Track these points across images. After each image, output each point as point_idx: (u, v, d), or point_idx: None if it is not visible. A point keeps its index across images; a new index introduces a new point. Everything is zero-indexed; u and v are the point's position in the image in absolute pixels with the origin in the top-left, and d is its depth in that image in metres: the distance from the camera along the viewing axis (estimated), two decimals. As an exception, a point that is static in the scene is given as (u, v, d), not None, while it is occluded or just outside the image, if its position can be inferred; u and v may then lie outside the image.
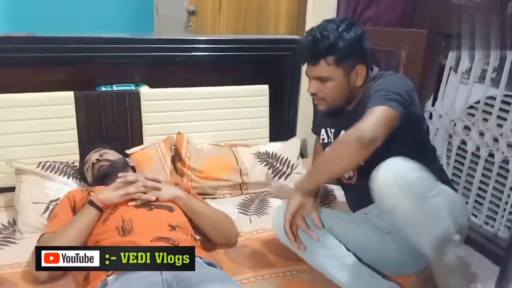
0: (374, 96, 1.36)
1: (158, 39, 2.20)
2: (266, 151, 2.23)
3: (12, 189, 1.93)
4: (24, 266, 1.51)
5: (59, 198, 1.74)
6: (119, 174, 1.57)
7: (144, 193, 1.54)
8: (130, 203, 1.50)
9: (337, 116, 1.53)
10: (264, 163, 2.17)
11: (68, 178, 1.88)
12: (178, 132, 2.16)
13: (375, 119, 1.28)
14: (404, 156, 1.26)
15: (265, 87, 2.35)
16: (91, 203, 1.48)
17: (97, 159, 1.75)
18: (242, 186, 2.09)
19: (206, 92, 2.24)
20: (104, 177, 1.70)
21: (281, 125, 2.49)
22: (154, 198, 1.53)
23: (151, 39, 2.21)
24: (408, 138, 1.40)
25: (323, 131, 1.66)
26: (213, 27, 2.46)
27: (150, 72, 2.21)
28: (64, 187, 1.83)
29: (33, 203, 1.74)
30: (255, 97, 2.34)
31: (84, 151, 2.00)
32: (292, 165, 2.21)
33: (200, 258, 1.35)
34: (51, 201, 1.75)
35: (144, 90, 2.13)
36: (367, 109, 1.33)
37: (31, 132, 1.96)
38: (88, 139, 2.05)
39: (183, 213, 1.57)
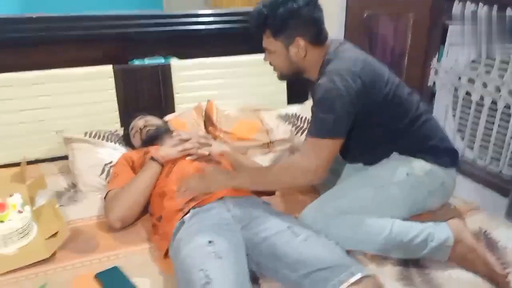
0: (312, 118, 1.47)
1: (185, 14, 2.38)
2: (286, 113, 2.43)
3: (61, 158, 2.12)
4: (95, 219, 1.71)
5: (112, 162, 1.93)
6: (174, 133, 1.76)
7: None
8: (187, 158, 1.70)
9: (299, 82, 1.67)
10: (287, 122, 2.37)
11: (115, 144, 2.06)
12: (208, 100, 2.35)
13: (315, 154, 1.42)
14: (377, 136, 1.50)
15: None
16: (153, 159, 1.67)
17: (144, 125, 1.93)
18: (269, 144, 2.29)
19: (230, 62, 2.43)
20: (152, 140, 1.89)
21: (297, 89, 2.69)
22: (207, 153, 1.73)
23: (178, 14, 2.38)
24: (380, 121, 1.51)
25: None
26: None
27: (177, 46, 2.38)
28: (114, 151, 2.01)
29: (89, 166, 1.93)
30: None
31: (124, 120, 2.19)
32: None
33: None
34: (105, 164, 1.94)
35: (174, 62, 2.31)
36: (306, 133, 1.46)
37: (76, 105, 2.14)
38: (127, 109, 2.24)
39: (230, 166, 1.78)
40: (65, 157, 2.11)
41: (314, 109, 1.47)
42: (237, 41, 2.48)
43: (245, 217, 1.45)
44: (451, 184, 1.57)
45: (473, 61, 2.10)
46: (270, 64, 1.60)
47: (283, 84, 2.58)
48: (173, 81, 2.31)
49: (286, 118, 2.41)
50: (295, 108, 2.49)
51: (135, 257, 1.49)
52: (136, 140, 1.96)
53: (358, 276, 1.20)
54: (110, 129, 2.16)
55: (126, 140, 2.06)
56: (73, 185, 1.94)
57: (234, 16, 2.46)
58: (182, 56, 2.37)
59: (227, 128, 2.27)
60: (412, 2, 2.27)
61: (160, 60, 2.32)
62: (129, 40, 2.27)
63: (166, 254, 1.45)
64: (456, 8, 2.12)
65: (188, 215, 1.44)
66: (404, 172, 1.51)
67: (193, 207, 1.46)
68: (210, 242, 1.29)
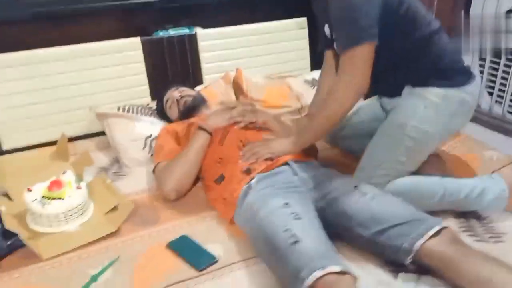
0: (338, 33, 1.42)
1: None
2: (312, 78, 2.43)
3: (95, 134, 2.09)
4: (146, 192, 1.70)
5: (151, 135, 1.92)
6: (220, 101, 1.75)
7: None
8: (236, 126, 1.69)
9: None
10: (315, 86, 2.37)
11: (150, 117, 2.03)
12: (237, 68, 2.32)
13: (353, 66, 1.37)
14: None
15: (303, 20, 2.52)
16: (201, 128, 1.67)
17: (180, 96, 1.91)
18: (300, 110, 2.29)
19: (253, 29, 2.39)
20: (190, 110, 1.88)
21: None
22: (255, 119, 1.73)
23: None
24: (392, 39, 1.42)
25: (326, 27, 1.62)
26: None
27: (199, 15, 2.34)
28: (151, 125, 1.99)
29: (131, 140, 1.91)
30: (296, 30, 2.51)
31: (154, 93, 2.16)
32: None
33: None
34: (146, 138, 1.92)
35: (200, 31, 2.27)
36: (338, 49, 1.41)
37: (105, 79, 2.10)
38: (156, 82, 2.20)
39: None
40: (100, 133, 2.09)
41: (338, 18, 1.39)
42: (256, 9, 2.45)
43: (312, 179, 1.46)
44: (471, 100, 1.54)
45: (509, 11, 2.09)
46: None
47: (306, 50, 2.57)
48: (200, 51, 2.28)
49: (313, 83, 2.40)
50: (318, 73, 2.48)
51: (199, 224, 1.50)
52: (172, 112, 1.94)
53: (436, 228, 1.22)
54: (141, 102, 2.13)
55: (160, 113, 2.04)
56: (116, 160, 1.92)
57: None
58: (204, 25, 2.33)
59: (258, 96, 2.25)
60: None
61: (184, 31, 2.27)
62: (151, 10, 2.22)
63: (231, 220, 1.47)
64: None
65: (254, 180, 1.45)
66: (421, 106, 1.50)
67: (259, 173, 1.47)
68: (286, 204, 1.31)
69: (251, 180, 1.45)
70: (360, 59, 1.37)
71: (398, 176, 1.52)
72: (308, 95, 2.31)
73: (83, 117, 2.09)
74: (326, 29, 1.59)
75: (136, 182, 1.76)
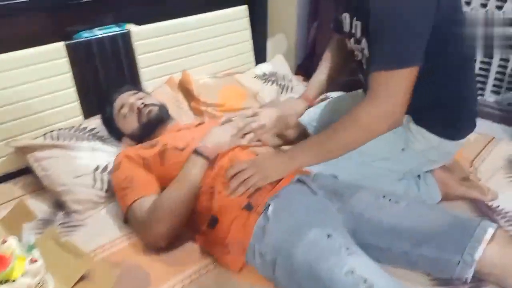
0: (376, 46, 1.16)
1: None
2: (263, 73, 2.17)
3: (16, 174, 1.62)
4: (120, 243, 1.32)
5: (98, 166, 1.51)
6: (224, 119, 1.46)
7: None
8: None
9: None
10: (270, 82, 2.12)
11: (91, 142, 1.61)
12: (183, 71, 1.97)
13: (389, 91, 1.13)
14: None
15: (245, 8, 2.23)
16: (198, 153, 1.31)
17: (143, 104, 1.54)
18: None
19: (190, 23, 2.03)
20: (155, 124, 1.54)
21: (261, 46, 2.41)
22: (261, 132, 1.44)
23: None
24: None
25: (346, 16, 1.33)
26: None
27: (123, 9, 1.92)
28: (94, 153, 1.57)
29: (75, 177, 1.48)
30: (237, 21, 2.21)
31: (87, 110, 1.74)
32: (290, 79, 2.22)
33: None
34: (94, 171, 1.50)
35: (134, 28, 1.86)
36: (372, 67, 1.15)
37: (23, 101, 1.61)
38: (88, 95, 1.76)
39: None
40: (23, 171, 1.61)
41: (381, 28, 1.12)
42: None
43: (333, 196, 1.23)
44: (455, 151, 1.44)
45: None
46: None
47: (249, 42, 2.29)
48: (136, 52, 1.87)
49: (264, 77, 2.15)
50: (268, 66, 2.24)
51: (205, 278, 1.19)
52: (128, 123, 1.56)
53: (491, 231, 1.08)
54: (72, 125, 1.69)
55: (107, 123, 1.64)
56: (58, 206, 1.48)
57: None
58: (132, 21, 1.92)
59: (211, 100, 1.93)
60: None
61: (113, 29, 1.84)
62: (67, 7, 1.75)
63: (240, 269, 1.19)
64: None
65: (270, 210, 1.16)
66: (400, 148, 1.38)
67: (271, 197, 1.20)
68: (329, 236, 1.06)
69: (262, 213, 1.17)
70: (399, 85, 1.12)
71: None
72: (264, 92, 2.06)
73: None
74: (346, 19, 1.31)
75: (98, 232, 1.36)
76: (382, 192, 1.25)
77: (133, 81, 1.88)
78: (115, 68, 1.82)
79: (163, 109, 1.58)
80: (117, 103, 1.59)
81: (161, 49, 1.95)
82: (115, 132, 1.62)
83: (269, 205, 1.18)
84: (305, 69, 2.33)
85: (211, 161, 1.31)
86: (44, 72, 1.63)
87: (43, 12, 1.70)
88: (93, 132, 1.67)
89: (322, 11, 2.33)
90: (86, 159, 1.54)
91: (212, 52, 2.14)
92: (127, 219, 1.34)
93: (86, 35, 1.78)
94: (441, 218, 1.15)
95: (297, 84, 2.22)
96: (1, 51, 1.54)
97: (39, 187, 1.55)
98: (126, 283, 1.16)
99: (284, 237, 1.10)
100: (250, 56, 2.32)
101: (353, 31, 1.29)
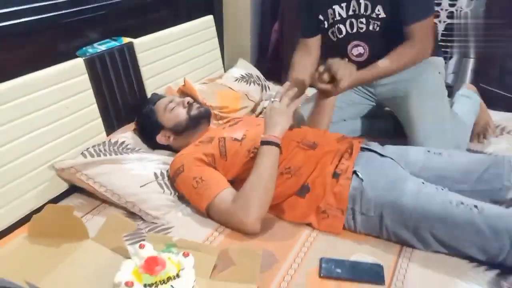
0: (411, 3, 1.54)
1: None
2: (240, 75, 2.31)
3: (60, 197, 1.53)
4: (222, 233, 1.37)
5: (156, 174, 1.52)
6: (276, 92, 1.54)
7: None
8: None
9: None
10: (251, 83, 2.27)
11: (132, 153, 1.58)
12: (184, 79, 2.02)
13: (427, 36, 1.57)
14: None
15: (210, 18, 2.36)
16: (269, 143, 1.35)
17: (190, 101, 1.68)
18: (253, 109, 2.18)
19: (169, 35, 2.09)
20: (201, 118, 1.66)
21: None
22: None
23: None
24: None
25: (330, 11, 1.71)
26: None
27: (108, 25, 1.90)
28: (144, 162, 1.55)
29: (141, 186, 1.46)
30: (204, 31, 2.33)
31: (108, 125, 1.71)
32: (264, 79, 2.40)
33: None
34: (157, 178, 1.50)
35: (137, 41, 1.87)
36: (410, 18, 1.55)
37: (52, 122, 1.52)
38: (108, 110, 1.72)
39: None
40: (65, 195, 1.53)
41: None
42: (158, 13, 2.16)
43: (393, 155, 1.47)
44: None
45: None
46: None
47: (217, 50, 2.42)
48: (139, 64, 1.88)
49: (244, 79, 2.29)
50: (240, 70, 2.38)
51: (318, 242, 1.32)
52: (175, 115, 1.63)
53: None
54: (97, 141, 1.64)
55: (147, 121, 1.67)
56: (138, 217, 1.45)
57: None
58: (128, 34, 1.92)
59: (215, 103, 2.03)
60: None
61: (113, 43, 1.83)
62: (57, 27, 1.67)
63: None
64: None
65: (360, 174, 1.36)
66: (437, 72, 1.80)
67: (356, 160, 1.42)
68: (423, 183, 1.31)
69: (351, 178, 1.37)
70: (431, 29, 1.52)
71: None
72: (251, 91, 2.22)
73: (39, 179, 1.47)
74: (337, 10, 1.67)
75: (191, 230, 1.38)
76: (422, 148, 1.53)
77: (140, 92, 1.88)
78: (126, 81, 1.81)
79: (208, 110, 1.68)
80: (165, 99, 1.67)
81: (158, 60, 1.98)
82: (151, 128, 1.66)
83: (354, 171, 1.37)
84: (270, 72, 2.54)
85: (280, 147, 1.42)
86: (67, 91, 1.56)
87: (36, 32, 1.59)
88: (123, 145, 1.64)
89: (283, 14, 2.56)
90: (139, 170, 1.53)
91: (192, 61, 2.22)
92: (210, 216, 1.40)
93: (91, 50, 1.74)
94: (480, 158, 1.47)
95: (270, 84, 2.42)
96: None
97: (93, 206, 1.49)
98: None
99: (385, 193, 1.31)
100: (220, 62, 2.45)
101: (350, 13, 1.66)
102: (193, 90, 1.99)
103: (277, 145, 1.36)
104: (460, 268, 1.19)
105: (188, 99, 1.67)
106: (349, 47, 1.76)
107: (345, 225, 1.36)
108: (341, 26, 1.72)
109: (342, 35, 1.75)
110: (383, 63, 1.57)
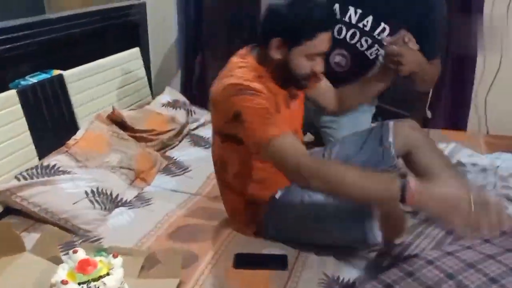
0: (432, 39, 1.64)
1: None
2: (167, 101, 2.50)
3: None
4: (151, 235, 1.54)
5: (86, 192, 1.67)
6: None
7: None
8: None
9: None
10: (178, 108, 2.47)
11: (64, 175, 1.72)
12: (112, 106, 2.18)
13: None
14: None
15: (136, 50, 2.56)
16: (404, 189, 1.05)
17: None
18: (180, 131, 2.38)
19: (107, 64, 2.28)
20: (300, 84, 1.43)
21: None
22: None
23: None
24: None
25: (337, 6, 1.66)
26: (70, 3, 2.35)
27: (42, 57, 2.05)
28: (76, 181, 1.70)
29: (74, 203, 1.61)
30: (132, 61, 2.52)
31: (40, 150, 1.84)
32: (190, 104, 2.60)
33: None
34: (87, 195, 1.66)
35: (67, 73, 2.03)
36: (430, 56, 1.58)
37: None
38: (40, 137, 1.85)
39: None
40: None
41: (436, 22, 1.65)
42: (89, 46, 2.33)
43: None
44: None
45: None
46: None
47: (145, 79, 2.62)
48: (70, 93, 2.03)
49: (171, 105, 2.49)
50: (167, 96, 2.57)
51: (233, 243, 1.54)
52: (316, 64, 1.32)
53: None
54: (29, 166, 1.76)
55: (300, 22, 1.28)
56: (71, 232, 1.59)
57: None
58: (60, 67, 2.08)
59: (143, 127, 2.20)
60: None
61: (44, 75, 1.97)
62: None
63: None
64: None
65: None
66: None
67: None
68: None
69: None
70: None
71: None
72: (177, 114, 2.42)
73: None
74: (351, 11, 1.67)
75: (120, 238, 1.54)
76: None
77: (71, 120, 2.04)
78: (57, 110, 1.95)
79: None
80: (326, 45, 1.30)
81: (88, 89, 2.15)
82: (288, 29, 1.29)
83: None
84: (195, 99, 2.76)
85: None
86: (1, 121, 1.69)
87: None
88: (55, 167, 1.77)
89: (205, 44, 2.80)
90: (71, 189, 1.67)
91: (120, 90, 2.40)
92: (269, 151, 1.22)
93: (23, 82, 1.88)
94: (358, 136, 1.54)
95: (195, 109, 2.63)
96: None
97: (28, 225, 1.61)
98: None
99: None
100: (147, 90, 2.65)
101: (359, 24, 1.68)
102: (121, 116, 2.16)
103: (402, 198, 1.06)
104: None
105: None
106: (333, 53, 1.75)
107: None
108: (343, 28, 1.68)
109: (339, 37, 1.72)
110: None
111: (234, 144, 1.38)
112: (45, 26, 2.05)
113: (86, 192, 1.67)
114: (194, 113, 2.58)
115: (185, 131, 2.43)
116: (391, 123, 1.46)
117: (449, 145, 2.05)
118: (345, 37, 1.72)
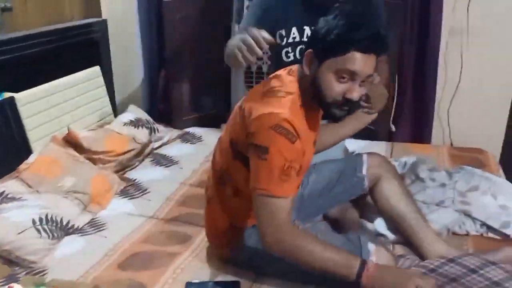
0: None
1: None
2: (129, 120, 2.43)
3: None
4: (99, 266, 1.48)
5: (34, 220, 1.59)
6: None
7: None
8: None
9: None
10: (139, 127, 2.41)
11: (13, 202, 1.66)
12: (68, 127, 2.12)
13: None
14: None
15: (97, 69, 2.50)
16: (359, 276, 1.17)
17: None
18: (141, 151, 2.33)
19: (64, 84, 2.24)
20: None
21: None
22: None
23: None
24: None
25: (294, 30, 1.65)
26: (25, 22, 2.28)
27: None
28: (23, 209, 1.63)
29: (18, 233, 1.54)
30: (92, 80, 2.47)
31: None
32: (153, 122, 2.54)
33: None
34: (34, 224, 1.59)
35: (19, 95, 1.97)
36: None
37: None
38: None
39: None
40: None
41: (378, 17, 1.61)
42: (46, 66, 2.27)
43: None
44: None
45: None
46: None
47: (106, 98, 2.56)
48: (22, 117, 1.97)
49: (133, 123, 2.42)
50: (129, 114, 2.51)
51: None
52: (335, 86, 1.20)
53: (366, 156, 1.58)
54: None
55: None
56: (11, 262, 1.51)
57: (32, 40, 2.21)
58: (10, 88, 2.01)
59: (101, 148, 2.15)
60: None
61: (-7, 97, 1.91)
62: None
63: None
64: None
65: None
66: None
67: None
68: None
69: None
70: None
71: None
72: (138, 134, 2.36)
73: None
74: (307, 31, 1.65)
75: (65, 270, 1.48)
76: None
77: (23, 143, 1.97)
78: (6, 133, 1.89)
79: None
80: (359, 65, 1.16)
81: (42, 111, 2.08)
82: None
83: None
84: (161, 114, 2.72)
85: None
86: None
87: None
88: (3, 195, 1.70)
89: (169, 59, 2.76)
90: (16, 217, 1.60)
91: (79, 110, 2.34)
92: (255, 201, 1.21)
93: (-32, 106, 1.81)
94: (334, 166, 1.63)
95: (159, 126, 2.58)
96: None
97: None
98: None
99: None
100: (109, 109, 2.59)
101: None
102: (77, 137, 2.10)
103: (357, 281, 1.17)
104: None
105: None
106: None
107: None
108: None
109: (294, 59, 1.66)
110: None
111: (242, 165, 1.29)
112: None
113: (33, 221, 1.60)
114: (158, 131, 2.53)
115: (146, 151, 2.38)
116: (365, 155, 1.59)
117: (410, 159, 2.04)
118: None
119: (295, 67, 1.31)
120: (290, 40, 1.69)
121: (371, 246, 1.32)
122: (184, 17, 2.60)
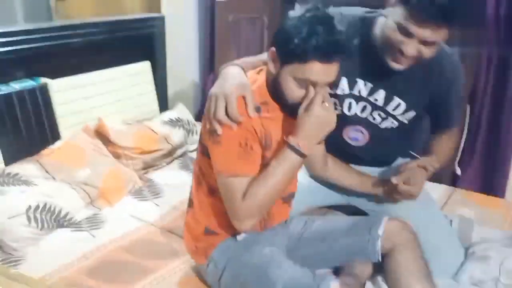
0: (450, 109, 1.51)
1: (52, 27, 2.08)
2: (169, 119, 2.42)
3: None
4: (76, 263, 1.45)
5: (30, 206, 1.60)
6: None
7: None
8: None
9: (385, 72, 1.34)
10: (177, 127, 2.37)
11: (15, 186, 1.68)
12: (99, 118, 2.14)
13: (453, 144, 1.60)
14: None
15: (148, 63, 2.51)
16: (292, 149, 1.17)
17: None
18: (172, 151, 2.27)
19: (102, 76, 2.26)
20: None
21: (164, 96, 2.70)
22: None
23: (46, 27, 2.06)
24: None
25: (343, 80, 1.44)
26: (80, 11, 2.38)
27: (36, 65, 2.06)
28: (23, 194, 1.65)
29: (9, 218, 1.56)
30: (141, 75, 2.47)
31: (7, 156, 1.83)
32: (194, 123, 2.49)
33: None
34: (27, 210, 1.59)
35: (52, 82, 2.02)
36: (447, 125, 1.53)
37: None
38: (9, 143, 1.85)
39: None
40: None
41: (454, 93, 1.47)
42: (98, 55, 2.31)
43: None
44: None
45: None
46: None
47: (153, 93, 2.56)
48: (54, 104, 2.02)
49: (172, 123, 2.40)
50: (173, 113, 2.49)
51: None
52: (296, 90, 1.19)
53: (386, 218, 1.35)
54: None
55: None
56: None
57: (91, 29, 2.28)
58: (47, 75, 2.07)
59: (127, 144, 2.13)
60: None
61: (29, 83, 1.98)
62: None
63: None
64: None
65: None
66: None
67: None
68: None
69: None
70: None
71: None
72: (173, 135, 2.31)
73: None
74: (360, 85, 1.44)
75: (41, 263, 1.46)
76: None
77: (52, 129, 2.02)
78: (35, 118, 1.95)
79: None
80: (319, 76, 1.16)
81: (75, 100, 2.12)
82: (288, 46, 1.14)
83: None
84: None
85: None
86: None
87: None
88: (17, 176, 1.75)
89: (217, 64, 2.69)
90: (13, 201, 1.62)
91: (121, 103, 2.35)
92: (218, 182, 1.23)
93: (3, 88, 1.89)
94: (347, 219, 1.49)
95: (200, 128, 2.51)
96: None
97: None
98: None
99: None
100: (155, 105, 2.58)
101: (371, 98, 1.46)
102: (105, 129, 2.11)
103: (301, 155, 1.18)
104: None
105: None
106: (346, 129, 1.54)
107: None
108: (353, 103, 1.48)
109: (349, 113, 1.51)
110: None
111: (208, 159, 1.26)
112: (44, 33, 2.06)
113: (29, 207, 1.61)
114: (196, 133, 2.46)
115: (179, 152, 2.32)
116: (385, 218, 1.36)
117: (456, 219, 1.68)
118: (355, 112, 1.51)
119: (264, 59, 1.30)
120: (339, 91, 1.46)
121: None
122: (237, 19, 2.49)
